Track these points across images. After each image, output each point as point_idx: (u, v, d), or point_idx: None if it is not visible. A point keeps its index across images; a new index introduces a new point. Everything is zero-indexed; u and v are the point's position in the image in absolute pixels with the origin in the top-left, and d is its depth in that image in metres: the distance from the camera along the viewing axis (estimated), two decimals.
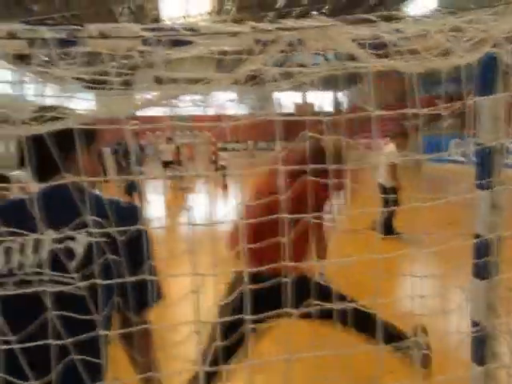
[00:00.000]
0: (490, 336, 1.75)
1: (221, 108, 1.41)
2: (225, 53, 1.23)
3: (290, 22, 1.05)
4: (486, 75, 1.60)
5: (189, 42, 1.04)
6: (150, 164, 16.02)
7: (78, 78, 1.26)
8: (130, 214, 1.23)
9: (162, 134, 16.98)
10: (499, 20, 1.20)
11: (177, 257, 1.28)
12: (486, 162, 1.77)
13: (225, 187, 14.13)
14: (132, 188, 9.34)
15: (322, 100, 39.47)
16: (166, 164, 15.78)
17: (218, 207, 1.39)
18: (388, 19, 1.13)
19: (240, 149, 32.66)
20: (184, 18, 29.30)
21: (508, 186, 1.68)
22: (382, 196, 6.78)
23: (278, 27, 1.04)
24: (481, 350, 1.78)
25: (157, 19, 28.91)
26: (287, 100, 37.46)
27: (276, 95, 39.92)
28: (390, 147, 7.30)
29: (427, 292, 1.60)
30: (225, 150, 19.15)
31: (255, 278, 1.37)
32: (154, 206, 10.44)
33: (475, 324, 1.78)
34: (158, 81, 1.15)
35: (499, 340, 1.77)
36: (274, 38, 1.04)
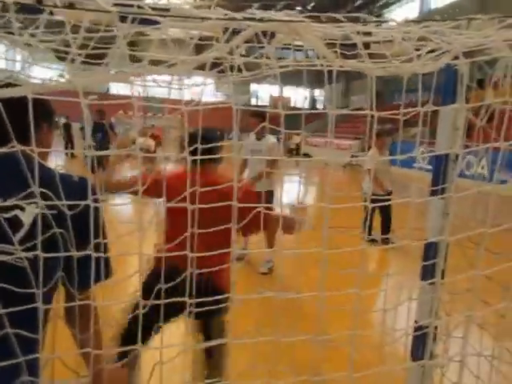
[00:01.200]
0: (428, 336, 1.83)
1: (197, 93, 1.41)
2: (193, 38, 1.23)
3: (259, 13, 1.06)
4: (447, 86, 1.66)
5: (157, 23, 1.03)
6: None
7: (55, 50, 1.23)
8: (81, 188, 1.22)
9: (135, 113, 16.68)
10: (462, 34, 1.25)
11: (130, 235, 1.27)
12: (440, 170, 1.84)
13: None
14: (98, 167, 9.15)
15: (298, 96, 39.64)
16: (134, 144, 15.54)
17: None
18: (355, 21, 1.16)
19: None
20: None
21: (459, 194, 1.74)
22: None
23: (245, 17, 1.05)
24: (419, 348, 1.86)
25: None
26: (264, 92, 37.49)
27: (253, 87, 39.81)
28: (373, 151, 7.02)
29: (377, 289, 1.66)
30: None
31: (171, 270, 1.39)
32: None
33: (417, 323, 1.86)
34: (132, 59, 1.14)
35: (437, 340, 1.85)
36: (242, 27, 1.05)
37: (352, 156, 22.11)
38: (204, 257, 1.39)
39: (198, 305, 1.44)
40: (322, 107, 42.48)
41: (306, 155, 21.19)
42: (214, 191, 1.44)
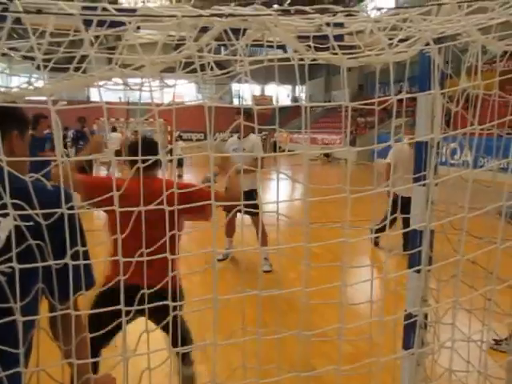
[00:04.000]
0: (419, 324, 1.83)
1: (177, 96, 1.39)
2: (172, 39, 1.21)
3: (226, 9, 1.04)
4: (422, 74, 1.66)
5: (123, 24, 1.02)
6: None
7: (26, 57, 1.21)
8: (56, 198, 1.19)
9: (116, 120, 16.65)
10: (432, 20, 1.25)
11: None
12: (422, 158, 1.84)
13: (179, 177, 13.99)
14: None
15: (281, 93, 39.68)
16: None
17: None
18: (323, 12, 1.15)
19: (194, 138, 32.15)
20: (143, 2, 28.57)
21: (441, 179, 1.75)
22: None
23: (213, 14, 1.03)
24: (410, 337, 1.86)
25: (115, 1, 28.07)
26: (247, 93, 37.45)
27: (235, 87, 39.80)
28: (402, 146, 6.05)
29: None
30: (180, 138, 18.97)
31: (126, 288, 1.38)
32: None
33: (406, 312, 1.86)
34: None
35: (428, 328, 1.86)
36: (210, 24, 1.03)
37: (322, 148, 22.29)
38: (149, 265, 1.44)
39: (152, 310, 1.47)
40: None
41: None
42: (150, 196, 1.41)
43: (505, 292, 1.77)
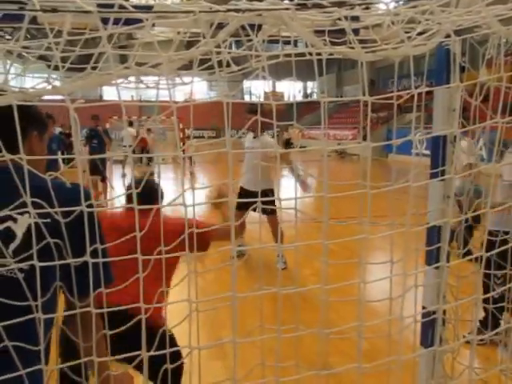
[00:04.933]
0: (437, 321, 1.81)
1: (190, 93, 1.39)
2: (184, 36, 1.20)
3: (243, 4, 1.03)
4: (440, 67, 1.63)
5: (137, 21, 1.01)
6: (115, 149, 15.78)
7: (41, 57, 1.21)
8: (74, 195, 1.20)
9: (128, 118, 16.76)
10: (451, 12, 1.22)
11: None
12: (439, 153, 1.81)
13: (191, 174, 14.05)
14: (95, 173, 9.13)
15: (292, 90, 39.54)
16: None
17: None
18: (340, 6, 1.13)
19: (206, 136, 32.07)
20: None
21: (460, 175, 1.72)
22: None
23: (229, 9, 1.02)
24: (429, 334, 1.84)
25: None
26: (258, 89, 37.38)
27: (246, 84, 39.72)
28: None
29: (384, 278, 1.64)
30: (188, 138, 18.99)
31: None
32: (118, 191, 10.31)
33: (425, 309, 1.84)
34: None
35: (446, 325, 1.83)
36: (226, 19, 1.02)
37: (338, 144, 22.11)
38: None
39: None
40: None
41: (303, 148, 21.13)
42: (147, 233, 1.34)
43: None
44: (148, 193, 1.41)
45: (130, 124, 17.50)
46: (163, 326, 1.58)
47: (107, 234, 1.31)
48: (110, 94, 36.13)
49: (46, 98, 1.14)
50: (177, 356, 1.81)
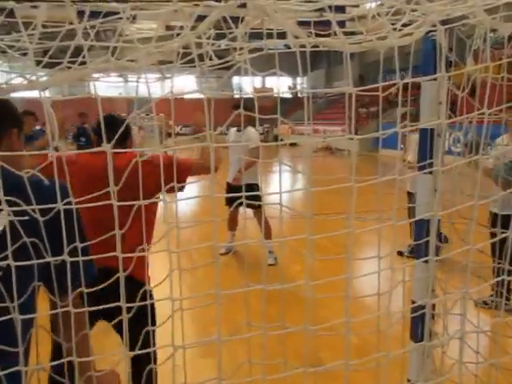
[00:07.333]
0: (427, 315, 1.80)
1: (178, 90, 1.36)
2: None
3: None
4: (427, 59, 1.62)
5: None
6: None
7: (25, 54, 1.17)
8: (52, 193, 1.17)
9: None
10: (436, 2, 1.21)
11: None
12: (426, 146, 1.80)
13: None
14: None
15: (281, 86, 39.48)
16: None
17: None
18: None
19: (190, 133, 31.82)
20: None
21: (447, 167, 1.71)
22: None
23: None
24: (419, 328, 1.83)
25: None
26: (247, 85, 37.27)
27: (235, 80, 39.61)
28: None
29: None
30: (169, 136, 18.90)
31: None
32: None
33: (414, 303, 1.83)
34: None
35: (436, 319, 1.83)
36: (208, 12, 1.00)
37: (324, 138, 22.13)
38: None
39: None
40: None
41: (294, 144, 21.21)
42: (117, 173, 1.25)
43: None
44: (113, 125, 1.37)
45: None
46: (147, 285, 1.55)
47: (83, 179, 1.22)
48: (97, 91, 35.73)
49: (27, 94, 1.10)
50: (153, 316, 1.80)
